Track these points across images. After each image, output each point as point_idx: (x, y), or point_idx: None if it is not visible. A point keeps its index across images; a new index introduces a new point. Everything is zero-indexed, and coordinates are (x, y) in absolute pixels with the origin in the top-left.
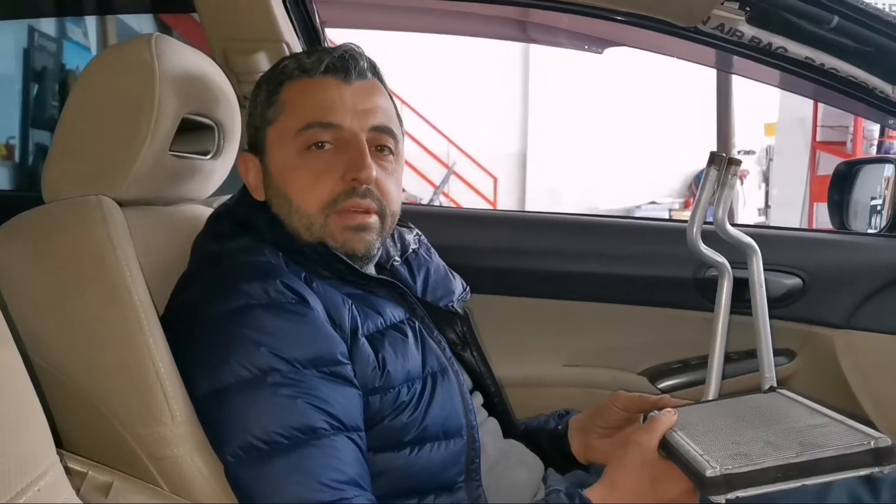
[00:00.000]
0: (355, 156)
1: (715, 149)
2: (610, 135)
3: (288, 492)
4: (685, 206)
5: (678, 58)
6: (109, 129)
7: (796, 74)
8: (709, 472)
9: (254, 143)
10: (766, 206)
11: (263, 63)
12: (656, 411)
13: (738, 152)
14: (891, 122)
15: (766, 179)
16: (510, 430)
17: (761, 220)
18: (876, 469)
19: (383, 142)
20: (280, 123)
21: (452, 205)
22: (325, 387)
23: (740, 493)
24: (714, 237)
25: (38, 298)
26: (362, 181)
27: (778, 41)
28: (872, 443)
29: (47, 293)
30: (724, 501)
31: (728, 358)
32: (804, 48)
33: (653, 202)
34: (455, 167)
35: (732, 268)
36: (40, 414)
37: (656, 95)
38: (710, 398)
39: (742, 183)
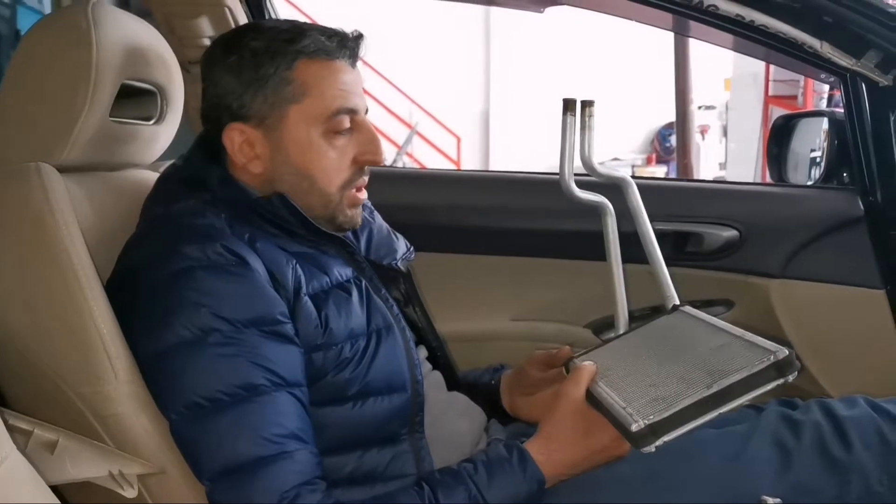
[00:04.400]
0: (371, 140)
1: (674, 105)
2: (572, 92)
3: (231, 447)
4: (647, 162)
5: (614, 15)
6: (48, 96)
7: (728, 31)
8: (634, 427)
9: (254, 116)
10: (727, 160)
11: (206, 27)
12: (577, 360)
13: (699, 107)
14: (822, 76)
15: (727, 134)
16: (453, 382)
17: (722, 174)
18: (781, 380)
19: None
20: (305, 105)
21: (416, 165)
22: (266, 345)
23: (666, 438)
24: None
25: None
26: (379, 163)
27: None
28: (772, 357)
29: None
30: (654, 449)
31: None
32: (734, 5)
33: (615, 159)
34: (418, 127)
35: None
36: None
37: (616, 52)
38: (622, 332)
39: (704, 138)
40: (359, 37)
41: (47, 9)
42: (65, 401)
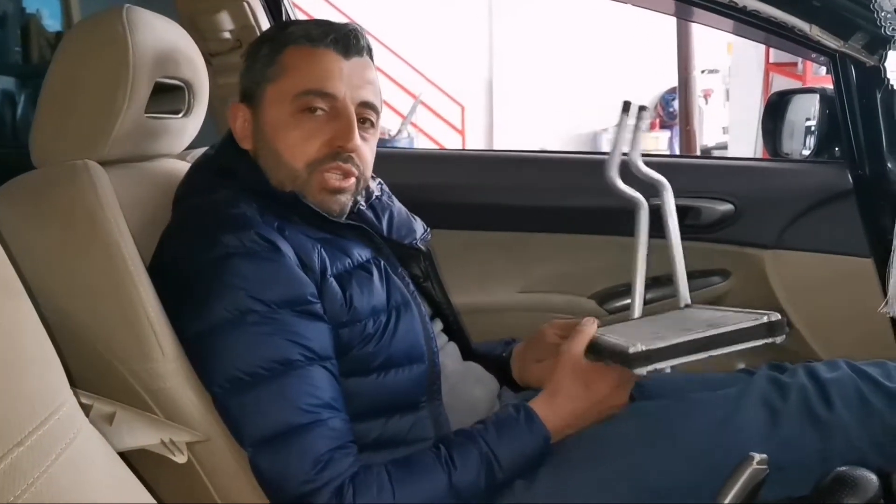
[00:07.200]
0: (345, 126)
1: (676, 68)
2: (575, 58)
3: (270, 416)
4: (650, 127)
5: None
6: (89, 97)
7: (722, 15)
8: (631, 349)
9: (249, 96)
10: (730, 125)
11: (226, 21)
12: None
13: (702, 71)
14: (813, 56)
15: (730, 98)
16: (467, 352)
17: (725, 138)
18: (769, 339)
19: (368, 116)
20: (280, 84)
21: (421, 135)
22: (299, 323)
23: (658, 365)
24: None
25: (38, 254)
26: (348, 150)
27: None
28: (766, 318)
29: (47, 249)
30: (645, 373)
31: (659, 280)
32: None
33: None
34: (422, 97)
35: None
36: (54, 355)
37: (619, 18)
38: (636, 317)
39: (707, 102)
40: (351, 30)
41: None
42: (118, 377)
